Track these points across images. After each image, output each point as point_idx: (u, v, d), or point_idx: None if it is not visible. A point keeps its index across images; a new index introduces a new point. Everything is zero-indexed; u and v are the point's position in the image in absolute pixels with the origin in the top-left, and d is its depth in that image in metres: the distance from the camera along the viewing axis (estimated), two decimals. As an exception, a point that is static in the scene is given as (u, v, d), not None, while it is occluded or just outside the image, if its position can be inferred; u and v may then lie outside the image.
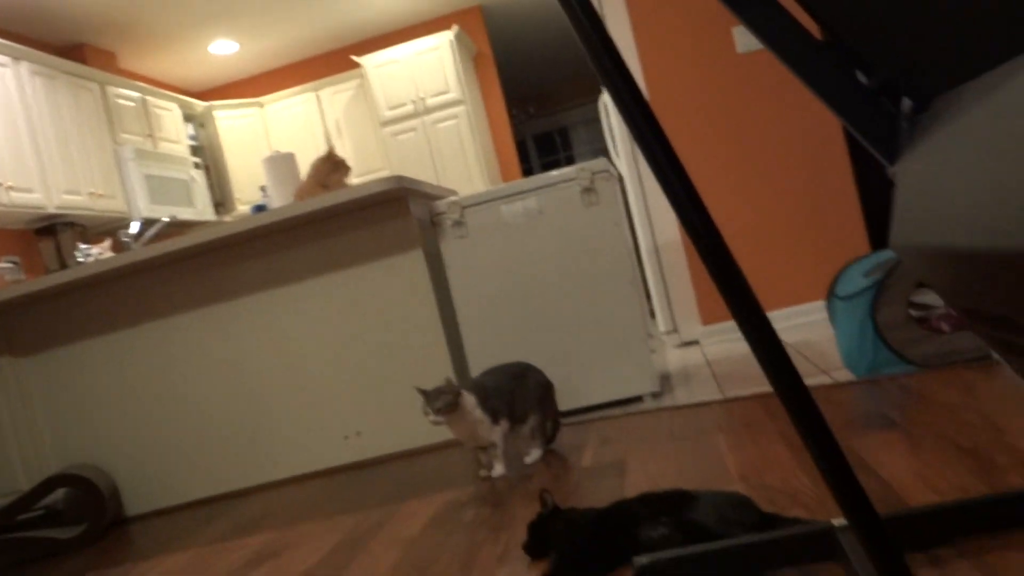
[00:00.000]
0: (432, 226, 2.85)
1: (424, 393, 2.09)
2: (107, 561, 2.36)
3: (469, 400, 2.10)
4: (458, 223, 2.78)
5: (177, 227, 5.69)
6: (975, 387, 1.84)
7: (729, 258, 0.86)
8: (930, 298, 2.35)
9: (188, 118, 6.23)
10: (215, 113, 6.41)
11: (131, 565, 2.22)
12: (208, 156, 6.40)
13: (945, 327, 2.20)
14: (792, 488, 1.47)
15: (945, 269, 0.91)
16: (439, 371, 2.74)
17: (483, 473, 2.17)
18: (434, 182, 6.10)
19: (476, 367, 2.77)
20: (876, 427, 1.72)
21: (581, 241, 2.72)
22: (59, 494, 2.82)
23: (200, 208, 5.83)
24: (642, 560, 1.15)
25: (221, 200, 6.41)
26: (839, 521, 1.12)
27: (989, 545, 1.06)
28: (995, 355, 2.06)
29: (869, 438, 1.66)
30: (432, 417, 2.07)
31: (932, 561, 1.05)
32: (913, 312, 2.25)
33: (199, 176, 5.92)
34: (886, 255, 2.34)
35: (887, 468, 1.45)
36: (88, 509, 2.75)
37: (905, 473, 1.40)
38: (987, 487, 1.25)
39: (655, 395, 2.69)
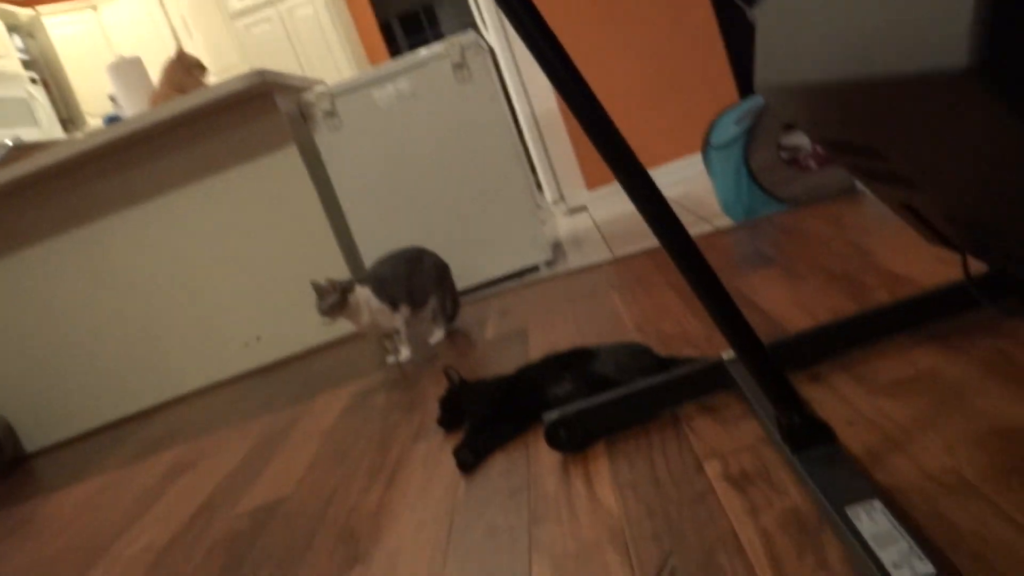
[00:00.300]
0: (303, 120, 2.74)
1: (317, 289, 2.06)
2: (14, 499, 2.29)
3: (363, 293, 2.09)
4: (330, 114, 2.68)
5: (26, 150, 5.25)
6: (842, 218, 1.96)
7: (608, 122, 0.87)
8: (797, 139, 2.46)
9: (13, 29, 5.64)
10: (44, 21, 5.83)
11: (41, 498, 2.17)
12: (44, 70, 5.86)
13: (813, 165, 2.31)
14: (684, 331, 1.55)
15: (807, 105, 0.95)
16: (332, 266, 2.70)
17: (390, 359, 2.20)
18: (299, 73, 5.81)
19: (369, 258, 2.75)
20: (756, 265, 1.82)
21: (459, 119, 2.68)
22: (-53, 443, 2.69)
23: (46, 127, 5.39)
24: (551, 415, 1.20)
25: (68, 116, 5.93)
26: (727, 354, 1.20)
27: (861, 357, 1.17)
28: (859, 186, 2.20)
29: (751, 276, 1.76)
30: (323, 319, 2.07)
31: (812, 377, 1.15)
32: (783, 154, 2.35)
33: (38, 92, 5.43)
34: (755, 101, 2.41)
35: (768, 301, 1.55)
36: (-18, 453, 2.64)
37: (785, 303, 1.50)
38: (858, 306, 1.36)
39: (549, 263, 2.75)
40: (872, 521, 0.71)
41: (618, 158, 0.86)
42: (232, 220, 2.71)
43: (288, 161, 2.66)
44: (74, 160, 2.59)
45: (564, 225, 3.55)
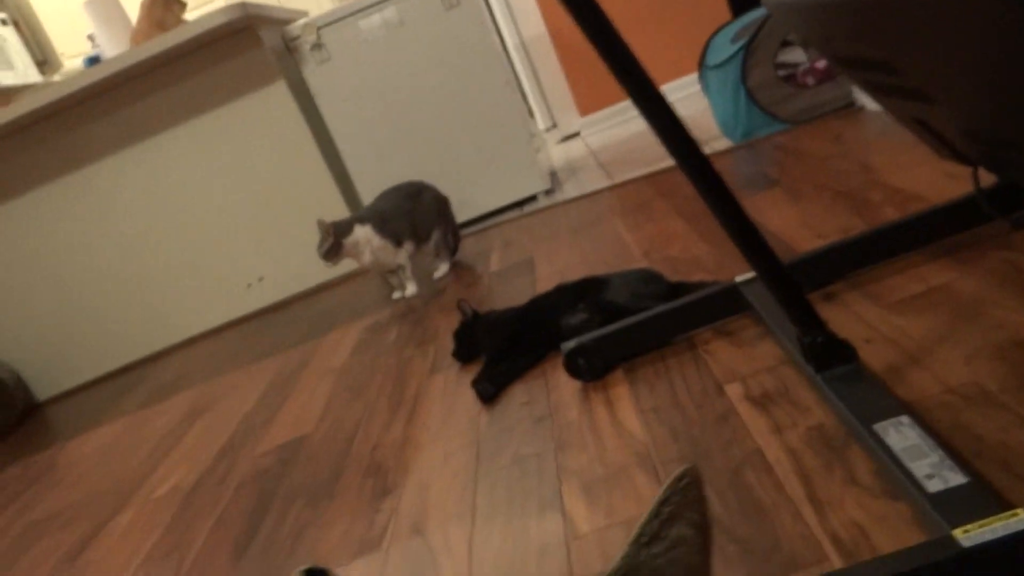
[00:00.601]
0: (290, 54, 2.68)
1: (320, 228, 2.06)
2: (32, 447, 2.33)
3: (363, 232, 2.09)
4: (317, 46, 2.62)
5: (5, 94, 5.13)
6: (843, 135, 1.96)
7: (618, 38, 0.86)
8: (794, 56, 2.42)
9: (-23, -33, 5.43)
10: (8, -43, 5.61)
11: (59, 446, 2.20)
12: (12, 9, 5.67)
13: (810, 81, 2.29)
14: (693, 256, 1.56)
15: (820, 20, 0.94)
16: (329, 204, 2.69)
17: (396, 295, 2.21)
18: (280, 4, 5.64)
19: (366, 193, 2.73)
20: (759, 187, 1.83)
21: (448, 48, 2.62)
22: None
23: (21, 70, 5.24)
24: (569, 345, 1.22)
25: (43, 58, 5.77)
26: (741, 277, 1.21)
27: (873, 275, 1.18)
28: (858, 101, 2.18)
29: (754, 198, 1.76)
30: (324, 263, 2.08)
31: (826, 297, 1.17)
32: (780, 72, 2.32)
33: (9, 33, 5.26)
34: (750, 17, 2.37)
35: (775, 222, 1.56)
36: (-6, 404, 2.66)
37: (791, 224, 1.51)
38: (865, 224, 1.37)
39: (547, 192, 2.74)
40: (901, 436, 0.74)
41: (631, 76, 0.85)
42: (225, 160, 2.67)
43: (277, 97, 2.61)
44: (59, 103, 2.54)
45: (558, 152, 3.52)
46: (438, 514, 1.05)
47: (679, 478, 0.30)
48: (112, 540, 1.43)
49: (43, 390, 2.89)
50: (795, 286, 0.90)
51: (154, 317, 2.81)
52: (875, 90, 1.00)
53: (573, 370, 1.22)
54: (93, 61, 3.40)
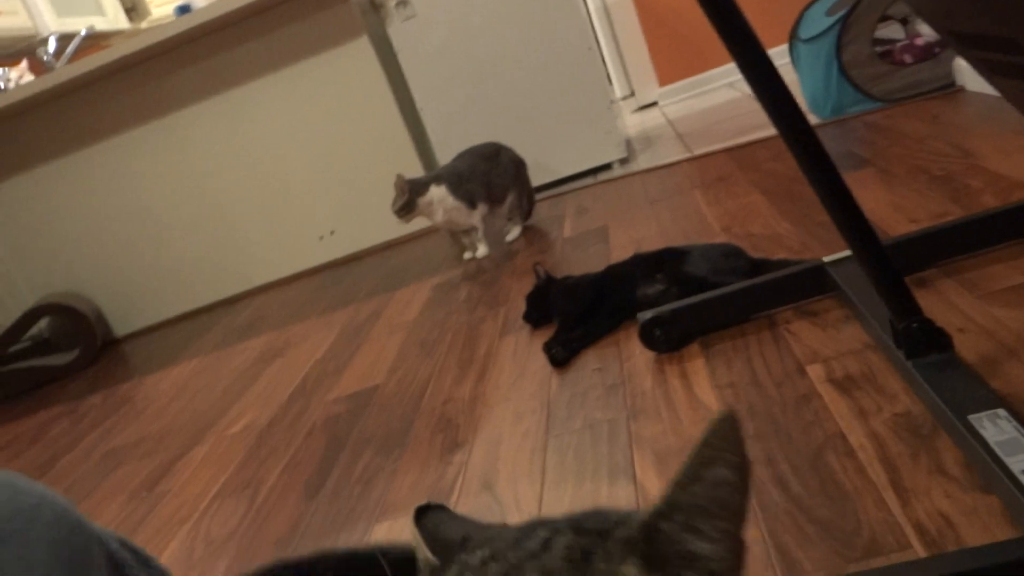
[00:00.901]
0: (375, 10, 2.69)
1: (396, 185, 2.08)
2: (111, 380, 2.43)
3: (438, 192, 2.10)
4: (402, 3, 2.62)
5: (95, 39, 5.28)
6: (941, 116, 1.88)
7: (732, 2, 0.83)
8: (891, 32, 2.33)
9: (75, -89, 5.57)
10: (104, -98, 5.73)
11: (137, 380, 2.29)
12: (106, -46, 5.80)
13: (908, 59, 2.20)
14: (775, 233, 1.53)
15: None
16: (404, 161, 2.70)
17: (467, 255, 2.22)
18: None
19: (442, 152, 2.74)
20: (849, 167, 1.77)
21: (533, 10, 2.59)
22: (43, 324, 2.83)
23: (111, 16, 5.38)
24: (646, 315, 1.22)
25: (131, 5, 5.90)
26: (829, 257, 1.18)
27: (969, 263, 1.14)
28: (958, 82, 2.09)
29: (844, 178, 1.71)
30: (397, 219, 2.11)
31: (919, 283, 1.13)
32: (877, 48, 2.24)
33: (102, -21, 5.40)
34: (848, -9, 2.28)
35: (866, 204, 1.50)
36: (76, 334, 2.78)
37: (883, 207, 1.46)
38: (963, 210, 1.32)
39: (622, 161, 2.71)
40: (997, 429, 0.71)
41: (741, 37, 0.83)
42: (305, 113, 2.71)
43: (361, 53, 2.63)
44: (151, 50, 2.60)
45: (634, 121, 3.47)
46: (508, 472, 1.06)
47: (720, 421, 0.32)
48: (188, 472, 1.49)
49: (121, 327, 3.00)
50: (893, 269, 0.88)
51: (230, 263, 2.89)
52: (992, 71, 0.96)
53: (649, 340, 1.21)
54: (184, 10, 3.46)
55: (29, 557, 0.39)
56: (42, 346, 2.82)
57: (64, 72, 2.52)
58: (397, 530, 1.04)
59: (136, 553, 0.48)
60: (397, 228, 2.77)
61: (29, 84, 2.56)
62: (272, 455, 1.41)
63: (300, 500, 1.21)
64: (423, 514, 0.42)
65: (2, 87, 3.20)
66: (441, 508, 0.42)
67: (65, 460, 1.84)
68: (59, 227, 2.90)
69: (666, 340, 1.21)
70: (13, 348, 2.76)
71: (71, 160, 2.82)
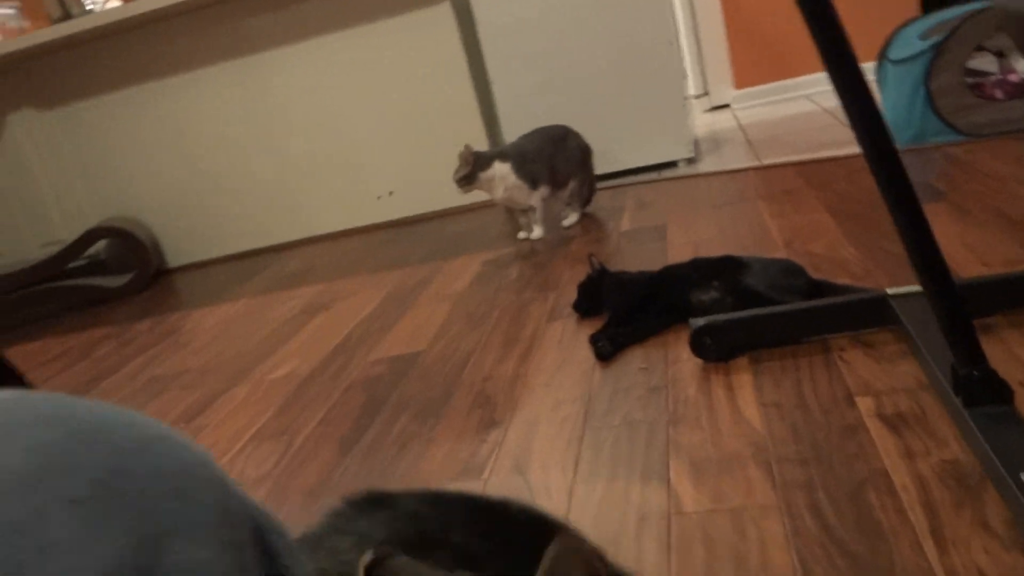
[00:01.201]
0: (463, -25, 2.68)
1: (460, 156, 2.09)
2: (160, 308, 2.49)
3: (501, 169, 2.10)
4: (490, -28, 2.60)
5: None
6: (1025, 159, 1.82)
7: (830, 5, 0.82)
8: (986, 63, 2.26)
9: None
10: None
11: (185, 312, 2.35)
12: None
13: (999, 94, 2.14)
14: (839, 257, 1.51)
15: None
16: (470, 132, 2.71)
17: (521, 235, 2.22)
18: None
19: (508, 128, 2.73)
20: (923, 198, 1.72)
21: (622, -5, 2.56)
22: (101, 245, 2.90)
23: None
24: (699, 322, 1.21)
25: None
26: (894, 290, 1.16)
27: (1038, 315, 1.11)
28: (1048, 127, 2.02)
29: (914, 209, 1.67)
30: (457, 189, 2.11)
31: (983, 329, 1.10)
32: (968, 79, 2.17)
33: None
34: (945, 15, 2.22)
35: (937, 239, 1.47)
36: (132, 258, 2.85)
37: (953, 244, 1.43)
38: (1038, 260, 1.28)
39: (689, 161, 2.68)
40: (1052, 491, 0.70)
41: (837, 50, 0.81)
42: (378, 72, 2.72)
43: (441, 18, 2.63)
44: (238, -9, 2.63)
45: (704, 121, 3.43)
46: (541, 458, 1.07)
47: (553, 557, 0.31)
48: (227, 409, 1.52)
49: (175, 258, 3.07)
50: (964, 313, 0.86)
51: (286, 209, 2.93)
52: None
53: (698, 348, 1.21)
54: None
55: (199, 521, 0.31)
56: (98, 266, 2.90)
57: (150, 2, 2.56)
58: (426, 498, 1.05)
59: (283, 536, 0.38)
60: (454, 197, 2.78)
61: (116, 9, 2.61)
62: (310, 406, 1.44)
63: (334, 453, 1.24)
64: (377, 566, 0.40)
65: (91, 7, 3.26)
66: (390, 555, 0.41)
67: (109, 380, 1.90)
68: (129, 153, 2.97)
69: (716, 350, 1.20)
70: (71, 265, 2.84)
71: (148, 88, 2.87)
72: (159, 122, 2.91)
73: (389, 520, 0.60)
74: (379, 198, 2.85)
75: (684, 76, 2.77)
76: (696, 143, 2.96)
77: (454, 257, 2.20)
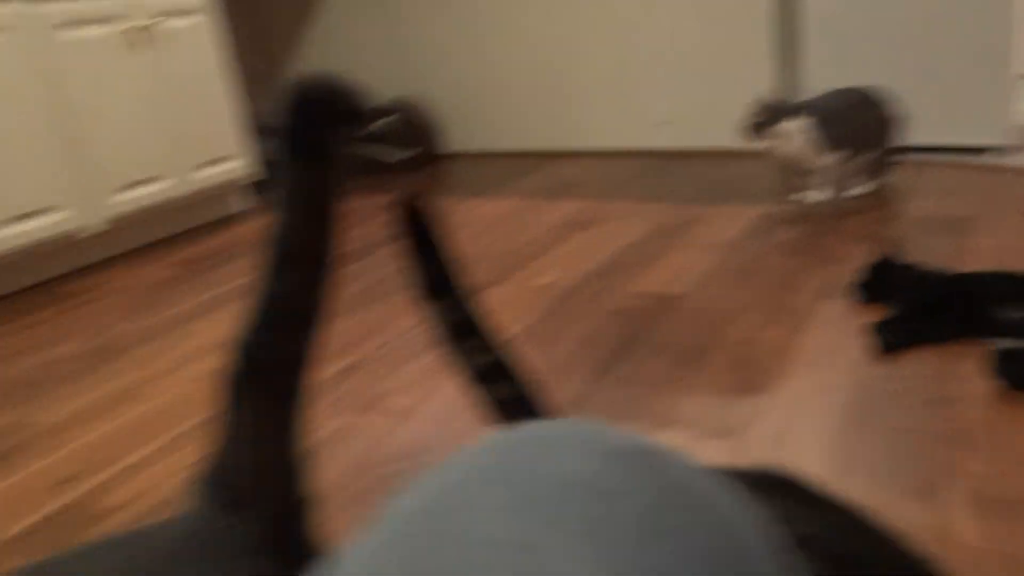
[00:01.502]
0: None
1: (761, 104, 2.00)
2: (436, 189, 2.66)
3: (799, 124, 1.99)
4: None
5: None
6: None
7: None
8: None
9: None
10: None
11: (459, 198, 2.50)
12: None
13: None
14: None
15: None
16: (759, 74, 2.58)
17: (795, 196, 2.12)
18: None
19: (811, 78, 2.57)
20: None
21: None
22: (392, 119, 3.12)
23: None
24: (1004, 344, 1.11)
25: None
26: None
27: None
28: None
29: None
30: (743, 134, 2.03)
31: None
32: None
33: None
34: None
35: None
36: (418, 136, 3.05)
37: None
38: None
39: (1005, 150, 2.40)
40: None
41: None
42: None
43: (766, -50, 2.49)
44: None
45: (1031, 107, 3.03)
46: (797, 440, 1.05)
47: None
48: (492, 306, 1.63)
49: (455, 143, 3.25)
50: None
51: (567, 117, 2.99)
52: None
53: (1001, 371, 1.11)
54: None
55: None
56: (386, 138, 3.13)
57: None
58: (675, 446, 1.08)
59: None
60: (730, 139, 2.70)
61: None
62: (572, 322, 1.50)
63: (587, 376, 1.29)
64: None
65: None
66: None
67: (382, 251, 2.07)
68: (435, 38, 3.14)
69: (1020, 377, 1.10)
70: (362, 133, 3.09)
71: (461, -22, 3.00)
72: (460, 10, 3.03)
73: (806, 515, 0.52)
74: (657, 125, 2.83)
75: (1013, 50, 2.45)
76: (1021, 132, 2.63)
77: (723, 204, 2.15)
